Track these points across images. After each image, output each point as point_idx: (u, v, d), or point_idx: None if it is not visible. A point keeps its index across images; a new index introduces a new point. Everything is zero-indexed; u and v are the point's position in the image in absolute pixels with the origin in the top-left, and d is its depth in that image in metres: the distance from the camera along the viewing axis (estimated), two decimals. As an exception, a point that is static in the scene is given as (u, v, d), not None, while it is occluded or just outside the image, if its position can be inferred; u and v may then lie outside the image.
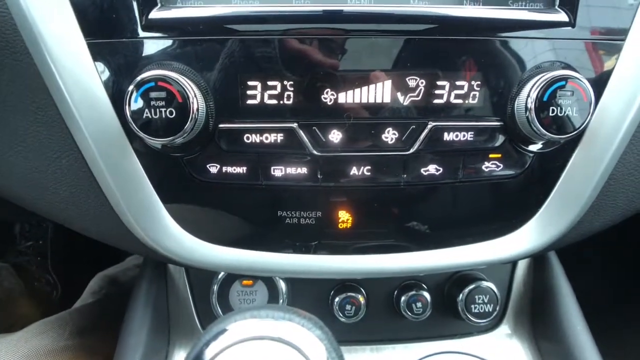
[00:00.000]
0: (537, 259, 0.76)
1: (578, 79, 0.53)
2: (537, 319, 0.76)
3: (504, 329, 0.77)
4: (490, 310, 0.72)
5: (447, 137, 0.57)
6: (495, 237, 0.62)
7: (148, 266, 0.74)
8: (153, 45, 0.54)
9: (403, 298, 0.73)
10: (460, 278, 0.74)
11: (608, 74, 0.57)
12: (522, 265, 0.77)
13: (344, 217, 0.60)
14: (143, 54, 0.54)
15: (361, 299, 0.73)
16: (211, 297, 0.73)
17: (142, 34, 0.53)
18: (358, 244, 0.62)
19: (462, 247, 0.62)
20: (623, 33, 0.56)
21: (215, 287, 0.73)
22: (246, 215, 0.61)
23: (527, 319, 0.77)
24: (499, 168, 0.59)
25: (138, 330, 0.69)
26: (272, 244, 0.62)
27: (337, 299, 0.72)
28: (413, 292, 0.73)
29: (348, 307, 0.72)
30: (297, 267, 0.63)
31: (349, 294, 0.73)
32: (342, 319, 0.72)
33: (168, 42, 0.54)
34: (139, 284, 0.72)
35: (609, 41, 0.57)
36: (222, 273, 0.73)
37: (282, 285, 0.74)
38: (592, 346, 0.67)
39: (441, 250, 0.61)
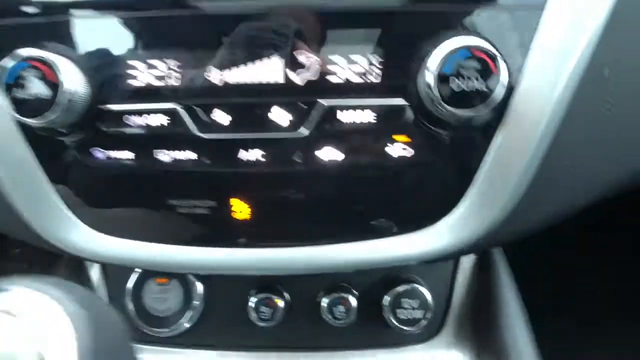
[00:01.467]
0: (482, 259, 0.68)
1: (484, 49, 0.47)
2: (480, 329, 0.67)
3: (443, 339, 0.69)
4: (420, 317, 0.64)
5: (344, 117, 0.52)
6: (407, 231, 0.55)
7: (62, 262, 0.72)
8: (29, 24, 0.52)
9: (325, 301, 0.67)
10: (389, 280, 0.67)
11: (525, 48, 0.50)
12: (465, 266, 0.68)
13: (239, 207, 0.55)
14: (18, 33, 0.52)
15: (278, 302, 0.67)
16: (125, 296, 0.69)
17: (16, 13, 0.52)
18: (257, 236, 0.57)
19: (370, 241, 0.55)
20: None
21: (131, 285, 0.69)
22: (137, 203, 0.57)
23: (469, 329, 0.69)
24: (410, 154, 0.53)
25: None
26: (167, 236, 0.58)
27: (252, 300, 0.67)
28: (336, 295, 0.67)
29: (264, 309, 0.66)
30: (193, 262, 0.58)
31: (266, 294, 0.67)
32: (259, 323, 0.67)
33: (44, 20, 0.52)
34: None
35: (525, 12, 0.50)
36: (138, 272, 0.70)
37: (198, 285, 0.69)
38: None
39: (346, 244, 0.55)
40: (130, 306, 0.69)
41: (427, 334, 0.69)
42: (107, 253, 0.58)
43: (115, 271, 0.72)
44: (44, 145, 0.55)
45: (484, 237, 0.55)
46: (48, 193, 0.56)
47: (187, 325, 0.69)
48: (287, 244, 0.56)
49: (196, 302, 0.69)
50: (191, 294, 0.69)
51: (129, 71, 0.52)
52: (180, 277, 0.69)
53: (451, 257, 0.59)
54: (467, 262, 0.68)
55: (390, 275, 0.68)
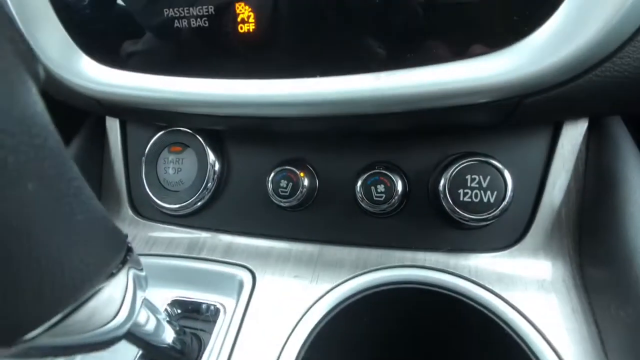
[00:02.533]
0: (595, 135, 0.45)
1: None
2: (588, 232, 0.45)
3: (527, 245, 0.48)
4: (492, 201, 0.44)
5: None
6: (492, 49, 0.36)
7: (86, 125, 0.67)
8: None
9: (360, 179, 0.51)
10: (450, 160, 0.48)
11: None
12: (568, 148, 0.47)
13: (245, 14, 0.42)
14: None
15: (302, 175, 0.53)
16: (142, 164, 0.62)
17: None
18: (272, 61, 0.43)
19: (445, 65, 0.38)
20: None
21: (146, 150, 0.61)
22: (130, 21, 0.48)
23: (568, 233, 0.47)
24: None
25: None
26: (164, 64, 0.48)
27: (272, 173, 0.54)
28: (375, 171, 0.50)
29: (283, 182, 0.53)
30: (192, 96, 0.47)
31: (287, 167, 0.53)
32: (278, 202, 0.53)
33: None
34: (74, 140, 0.65)
35: None
36: (155, 137, 0.62)
37: (211, 155, 0.58)
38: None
39: (417, 69, 0.38)
40: (145, 177, 0.61)
41: (505, 237, 0.49)
42: (106, 87, 0.50)
43: (133, 136, 0.65)
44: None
45: (580, 59, 0.34)
46: (52, 19, 0.50)
47: (199, 203, 0.59)
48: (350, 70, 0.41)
49: (210, 175, 0.58)
50: (206, 165, 0.58)
51: None
52: (197, 146, 0.59)
53: (543, 99, 0.38)
54: (570, 140, 0.46)
55: (451, 155, 0.49)
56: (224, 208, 0.60)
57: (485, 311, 0.46)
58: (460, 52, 0.38)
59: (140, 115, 0.59)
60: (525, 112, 0.41)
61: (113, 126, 0.66)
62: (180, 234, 0.61)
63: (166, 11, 0.46)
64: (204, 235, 0.60)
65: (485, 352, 0.49)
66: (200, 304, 0.54)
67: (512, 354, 0.44)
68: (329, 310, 0.48)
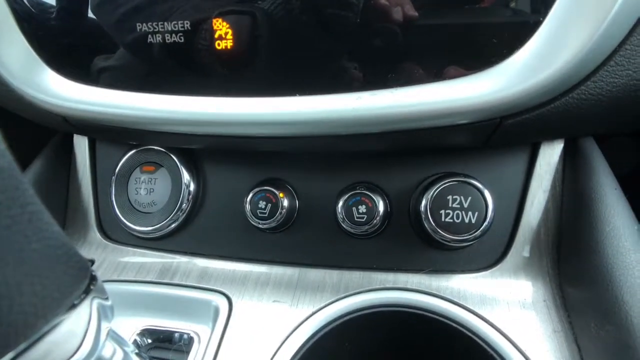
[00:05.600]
0: (570, 156, 0.46)
1: None
2: (566, 254, 0.45)
3: (508, 265, 0.48)
4: (473, 221, 0.44)
5: None
6: (472, 70, 0.36)
7: (52, 142, 0.63)
8: None
9: (342, 200, 0.50)
10: (431, 181, 0.48)
11: None
12: (545, 169, 0.47)
13: (223, 30, 0.41)
14: None
15: (281, 195, 0.51)
16: (111, 184, 0.59)
17: None
18: (250, 79, 0.42)
19: (428, 85, 0.38)
20: None
21: (116, 169, 0.58)
22: (101, 35, 0.46)
23: (547, 253, 0.47)
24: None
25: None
26: (136, 80, 0.46)
27: (250, 194, 0.52)
28: (356, 191, 0.49)
29: (262, 203, 0.51)
30: (166, 114, 0.45)
31: (266, 187, 0.52)
32: (256, 223, 0.52)
33: None
34: (38, 158, 0.61)
35: None
36: (126, 155, 0.59)
37: (186, 175, 0.56)
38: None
39: (400, 90, 0.38)
40: (114, 198, 0.58)
41: (484, 258, 0.48)
42: (74, 103, 0.47)
43: (103, 154, 0.62)
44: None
45: (557, 81, 0.34)
46: (14, 31, 0.48)
47: (173, 225, 0.56)
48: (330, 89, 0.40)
49: (185, 196, 0.56)
50: (180, 185, 0.56)
51: None
52: (170, 166, 0.57)
53: (519, 121, 0.38)
54: (547, 160, 0.47)
55: (432, 175, 0.49)
56: (199, 230, 0.57)
57: (469, 333, 0.45)
58: (440, 73, 0.38)
59: (110, 133, 0.57)
60: (505, 133, 0.41)
61: (81, 144, 0.62)
62: (152, 259, 0.58)
63: (139, 26, 0.44)
64: (177, 259, 0.57)
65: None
66: (172, 332, 0.50)
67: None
68: (310, 336, 0.46)
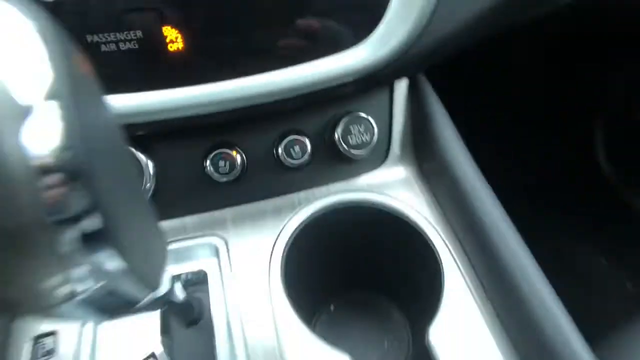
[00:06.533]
0: (412, 87, 0.75)
1: None
2: (421, 148, 0.76)
3: (390, 162, 0.76)
4: (368, 140, 0.70)
5: None
6: (340, 50, 0.59)
7: None
8: None
9: (281, 145, 0.69)
10: (337, 119, 0.71)
11: None
12: (399, 97, 0.75)
13: (172, 35, 0.54)
14: None
15: (235, 154, 0.68)
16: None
17: None
18: (196, 69, 0.57)
19: (309, 63, 0.59)
20: None
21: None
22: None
23: (410, 151, 0.77)
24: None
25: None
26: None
27: (209, 158, 0.67)
28: (291, 137, 0.70)
29: (222, 163, 0.67)
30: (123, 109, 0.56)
31: (221, 150, 0.68)
32: (218, 178, 0.68)
33: None
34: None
35: None
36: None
37: (143, 157, 0.67)
38: (468, 159, 0.68)
39: (286, 69, 0.58)
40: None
41: (377, 160, 0.76)
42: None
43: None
44: None
45: (404, 49, 0.60)
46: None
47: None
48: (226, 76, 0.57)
49: (148, 176, 0.67)
50: (141, 167, 0.67)
51: None
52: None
53: (381, 73, 0.63)
54: (400, 93, 0.75)
55: (337, 115, 0.72)
56: (166, 199, 0.70)
57: (386, 207, 0.73)
58: (331, 49, 0.59)
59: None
60: (375, 81, 0.66)
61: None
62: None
63: (89, 37, 0.53)
64: (156, 224, 0.70)
65: (397, 241, 0.75)
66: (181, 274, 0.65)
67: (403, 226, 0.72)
68: (297, 225, 0.69)
